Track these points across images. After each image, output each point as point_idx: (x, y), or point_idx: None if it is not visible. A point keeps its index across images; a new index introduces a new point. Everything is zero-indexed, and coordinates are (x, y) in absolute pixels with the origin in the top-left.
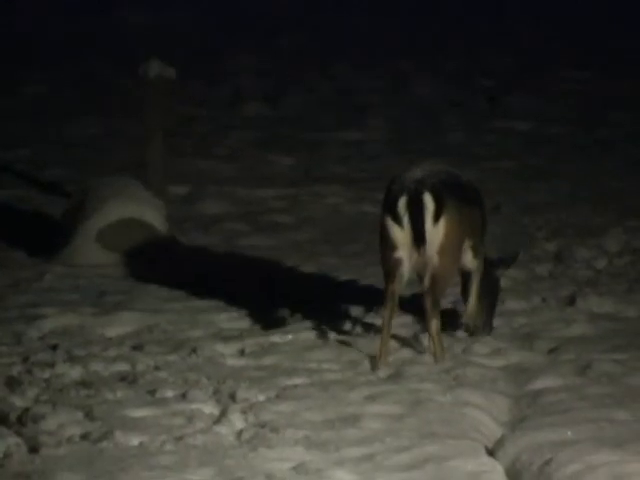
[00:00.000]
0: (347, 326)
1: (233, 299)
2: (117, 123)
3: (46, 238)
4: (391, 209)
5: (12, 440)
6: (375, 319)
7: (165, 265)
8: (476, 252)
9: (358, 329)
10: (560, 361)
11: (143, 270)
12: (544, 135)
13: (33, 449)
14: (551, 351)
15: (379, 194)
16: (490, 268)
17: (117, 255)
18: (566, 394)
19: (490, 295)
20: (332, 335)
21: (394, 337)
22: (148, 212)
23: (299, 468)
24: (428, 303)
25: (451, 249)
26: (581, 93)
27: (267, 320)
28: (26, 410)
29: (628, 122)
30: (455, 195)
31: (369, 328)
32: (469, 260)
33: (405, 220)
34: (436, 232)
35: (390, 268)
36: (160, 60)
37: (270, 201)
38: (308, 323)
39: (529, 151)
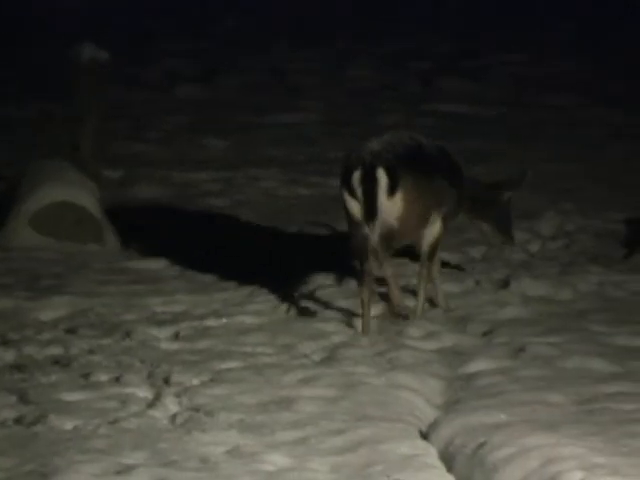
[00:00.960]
0: (281, 310)
1: (167, 283)
2: (52, 106)
3: None
4: (347, 183)
5: None
6: (310, 302)
7: (99, 249)
8: (446, 222)
9: (292, 312)
10: (494, 344)
11: (77, 254)
12: (479, 118)
13: None
14: (485, 334)
15: (314, 177)
16: (497, 190)
17: (51, 238)
18: (500, 377)
19: (504, 217)
20: (266, 319)
21: (327, 320)
22: (81, 195)
23: (233, 452)
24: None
25: (410, 222)
26: (516, 76)
27: (201, 304)
28: None
29: (562, 105)
30: (413, 167)
31: (304, 312)
32: (436, 231)
33: (359, 194)
34: (392, 206)
35: (359, 245)
36: (93, 43)
37: (204, 184)
38: (242, 307)
39: (464, 134)
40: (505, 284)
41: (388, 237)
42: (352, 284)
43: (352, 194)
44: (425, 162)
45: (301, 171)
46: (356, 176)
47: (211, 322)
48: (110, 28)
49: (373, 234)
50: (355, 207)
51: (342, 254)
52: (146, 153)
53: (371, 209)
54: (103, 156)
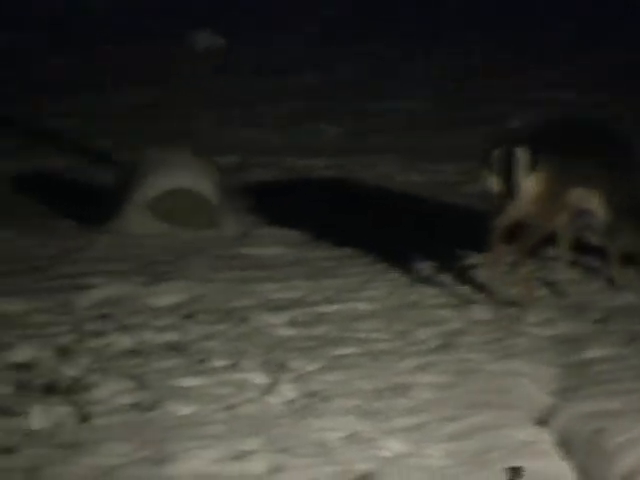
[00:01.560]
0: (396, 296)
1: (283, 269)
2: (166, 93)
3: (96, 208)
4: (487, 161)
5: (63, 409)
6: (425, 289)
7: (215, 235)
8: (609, 203)
9: (407, 299)
10: (608, 331)
11: (193, 240)
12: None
13: (83, 418)
14: (599, 321)
15: (427, 164)
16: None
17: (167, 225)
18: (614, 364)
19: None
20: (381, 305)
21: (443, 307)
22: (198, 182)
23: (349, 437)
24: (519, 250)
25: (546, 202)
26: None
27: (316, 290)
28: (77, 379)
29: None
30: (557, 148)
31: (419, 298)
32: (600, 213)
33: (498, 172)
34: (530, 186)
35: (496, 224)
36: (210, 30)
37: (319, 170)
38: (357, 293)
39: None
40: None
41: (527, 217)
42: (467, 271)
43: (492, 172)
44: (575, 144)
45: (415, 158)
46: (497, 154)
47: (325, 308)
48: (227, 13)
49: (509, 213)
50: (494, 185)
51: (458, 242)
52: (261, 139)
53: (510, 188)
54: (218, 142)
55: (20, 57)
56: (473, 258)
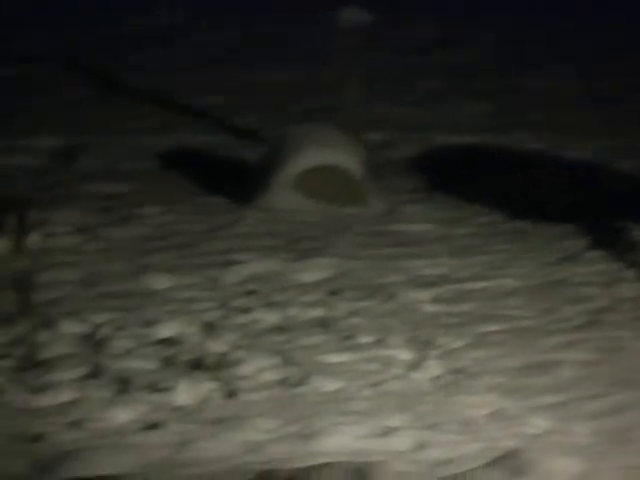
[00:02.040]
0: (541, 274)
1: (429, 245)
2: (312, 69)
3: (242, 184)
4: None
5: (209, 385)
6: (570, 267)
7: (361, 211)
8: None
9: (552, 277)
10: None
11: (340, 216)
12: None
13: (230, 394)
14: None
15: (579, 141)
16: None
17: (314, 201)
18: None
19: None
20: (526, 282)
21: (590, 284)
22: (344, 158)
23: (495, 414)
24: None
25: None
26: None
27: (462, 267)
28: (223, 355)
29: None
30: None
31: (564, 276)
32: None
33: None
34: None
35: None
36: (356, 6)
37: (467, 147)
38: (503, 270)
39: None
40: None
41: None
42: (619, 248)
43: None
44: None
45: (569, 135)
46: None
47: (471, 285)
48: None
49: None
50: None
51: (610, 219)
52: (407, 116)
53: None
54: (364, 119)
55: (167, 35)
56: (627, 236)
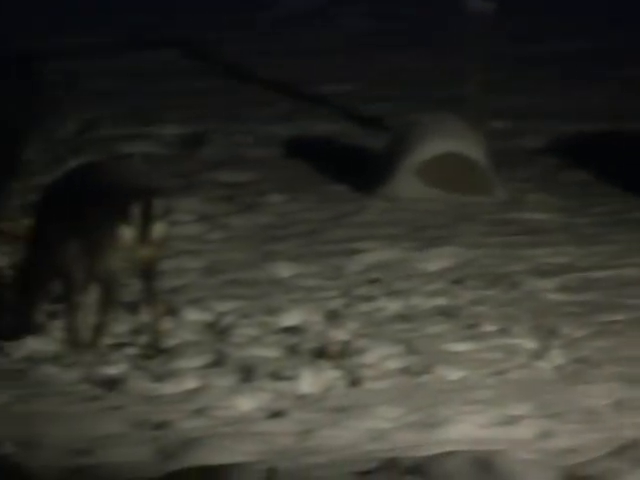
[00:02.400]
0: None
1: (553, 234)
2: (437, 58)
3: (366, 172)
4: None
5: (332, 374)
6: None
7: (485, 200)
8: None
9: None
10: None
11: (463, 205)
12: None
13: (353, 382)
14: None
15: None
16: None
17: (437, 189)
18: None
19: None
20: None
21: None
22: (468, 147)
23: (618, 405)
24: None
25: None
26: None
27: (586, 256)
28: (346, 344)
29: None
30: None
31: None
32: None
33: None
34: None
35: None
36: None
37: (589, 136)
38: (627, 260)
39: None
40: None
41: None
42: None
43: None
44: None
45: None
46: None
47: (595, 274)
48: None
49: None
50: None
51: None
52: (530, 105)
53: None
54: (489, 107)
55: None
56: None
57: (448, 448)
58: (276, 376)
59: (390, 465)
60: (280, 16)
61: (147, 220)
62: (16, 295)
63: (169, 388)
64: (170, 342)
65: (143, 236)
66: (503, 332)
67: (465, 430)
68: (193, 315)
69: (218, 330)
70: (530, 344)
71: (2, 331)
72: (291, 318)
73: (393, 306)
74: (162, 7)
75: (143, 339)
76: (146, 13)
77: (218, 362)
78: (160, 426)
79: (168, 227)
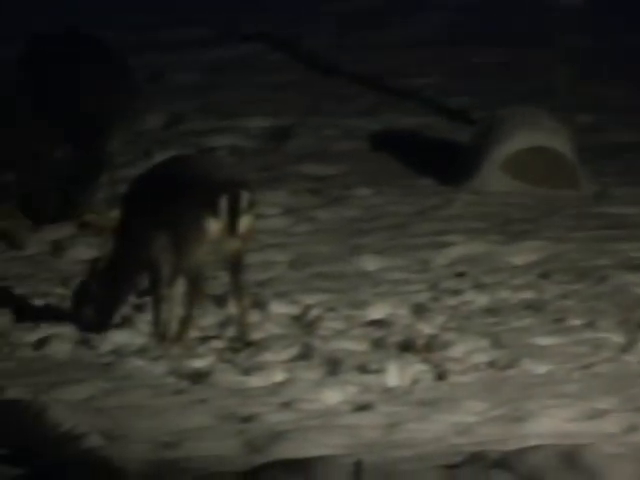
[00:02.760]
0: None
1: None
2: (522, 51)
3: (453, 166)
4: None
5: (419, 367)
6: None
7: (572, 194)
8: None
9: None
10: None
11: (550, 198)
12: None
13: (440, 376)
14: None
15: None
16: None
17: (524, 183)
18: None
19: None
20: None
21: None
22: (555, 141)
23: None
24: None
25: None
26: None
27: None
28: (433, 337)
29: None
30: None
31: None
32: None
33: None
34: None
35: None
36: None
37: None
38: None
39: None
40: None
41: None
42: None
43: None
44: None
45: None
46: None
47: None
48: None
49: None
50: None
51: None
52: (618, 97)
53: None
54: (574, 101)
55: (377, 16)
56: None
57: (534, 442)
58: (362, 369)
59: (476, 459)
60: (361, 9)
61: (234, 213)
62: (102, 288)
63: (256, 381)
64: (257, 335)
65: (230, 229)
66: (590, 326)
67: (551, 424)
68: (280, 308)
69: (304, 323)
70: (617, 338)
71: (88, 324)
72: (377, 311)
73: (480, 300)
74: (243, 2)
75: (230, 332)
76: (229, 8)
77: (304, 355)
78: (246, 419)
79: (254, 220)
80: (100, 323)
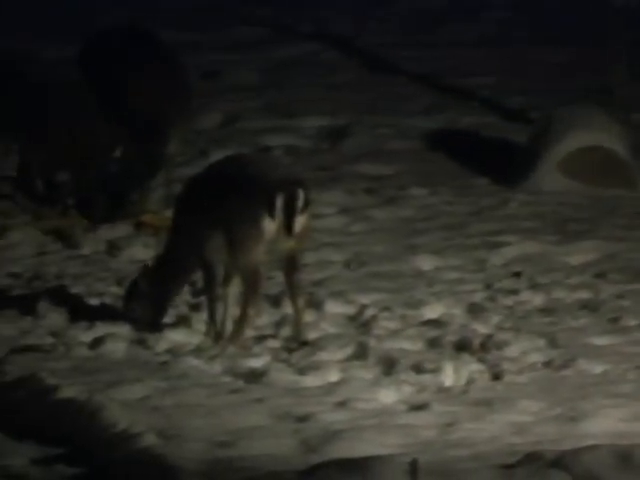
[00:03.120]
0: None
1: None
2: (579, 50)
3: (509, 165)
4: None
5: (475, 367)
6: None
7: (628, 193)
8: None
9: None
10: None
11: (606, 198)
12: None
13: (495, 376)
14: None
15: None
16: None
17: (580, 183)
18: None
19: None
20: None
21: None
22: (611, 140)
23: None
24: None
25: None
26: None
27: None
28: (489, 337)
29: None
30: None
31: None
32: None
33: None
34: None
35: None
36: None
37: None
38: None
39: None
40: None
41: None
42: None
43: None
44: None
45: None
46: None
47: None
48: None
49: None
50: None
51: None
52: None
53: None
54: (632, 100)
55: (433, 16)
56: None
57: (589, 442)
58: (418, 369)
59: (532, 459)
60: (419, 8)
61: (290, 212)
62: (152, 286)
63: (311, 380)
64: (312, 335)
65: (286, 228)
66: None
67: (607, 424)
68: (335, 308)
69: (360, 323)
70: None
71: (142, 322)
72: (433, 311)
73: (535, 299)
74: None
75: (286, 331)
76: (284, 8)
77: (360, 355)
78: (302, 419)
79: (310, 219)
80: (153, 322)
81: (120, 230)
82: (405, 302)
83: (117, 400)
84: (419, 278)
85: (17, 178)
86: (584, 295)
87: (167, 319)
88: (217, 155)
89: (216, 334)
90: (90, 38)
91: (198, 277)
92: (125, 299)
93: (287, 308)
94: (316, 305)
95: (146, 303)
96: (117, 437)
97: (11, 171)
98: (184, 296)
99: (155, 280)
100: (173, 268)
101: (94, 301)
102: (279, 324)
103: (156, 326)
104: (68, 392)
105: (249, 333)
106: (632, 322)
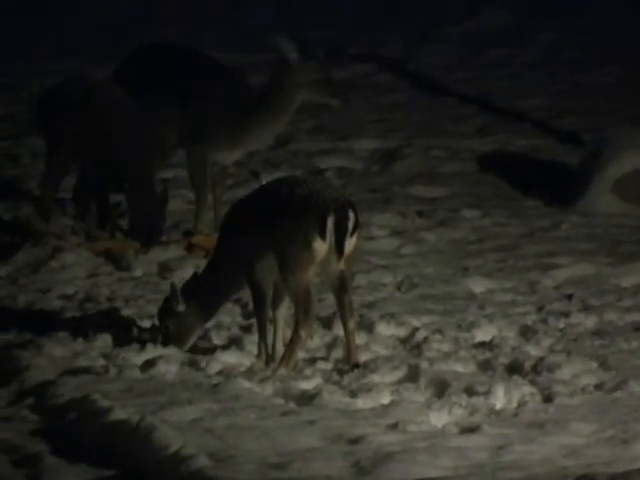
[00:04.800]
0: None
1: None
2: (632, 72)
3: (562, 187)
4: None
5: (527, 389)
6: None
7: None
8: None
9: None
10: None
11: None
12: None
13: (547, 398)
14: None
15: None
16: None
17: (633, 205)
18: None
19: None
20: None
21: None
22: None
23: None
24: None
25: None
26: None
27: None
28: (541, 359)
29: None
30: None
31: None
32: None
33: None
34: None
35: None
36: None
37: None
38: None
39: None
40: None
41: None
42: None
43: None
44: None
45: None
46: None
47: None
48: None
49: None
50: None
51: None
52: None
53: None
54: None
55: (486, 37)
56: None
57: None
58: (469, 391)
59: None
60: (471, 30)
61: (341, 233)
62: (193, 306)
63: (363, 403)
64: (364, 357)
65: (337, 250)
66: None
67: None
68: (387, 330)
69: (412, 345)
70: None
71: (173, 342)
72: (485, 333)
73: (587, 322)
74: (349, 23)
75: (337, 354)
76: (333, 28)
77: (411, 377)
78: (354, 441)
79: (361, 240)
80: (181, 342)
81: (171, 252)
82: (457, 324)
83: (169, 422)
84: (471, 300)
85: (75, 199)
86: (636, 317)
87: (219, 341)
88: (268, 177)
89: (268, 356)
90: (130, 55)
91: (249, 299)
92: (158, 317)
93: (339, 330)
94: (367, 327)
95: (180, 322)
96: (169, 459)
97: (66, 193)
98: (236, 318)
99: (192, 300)
100: (213, 288)
101: (146, 323)
102: (331, 346)
103: (185, 345)
104: (120, 414)
105: (301, 355)
106: None
